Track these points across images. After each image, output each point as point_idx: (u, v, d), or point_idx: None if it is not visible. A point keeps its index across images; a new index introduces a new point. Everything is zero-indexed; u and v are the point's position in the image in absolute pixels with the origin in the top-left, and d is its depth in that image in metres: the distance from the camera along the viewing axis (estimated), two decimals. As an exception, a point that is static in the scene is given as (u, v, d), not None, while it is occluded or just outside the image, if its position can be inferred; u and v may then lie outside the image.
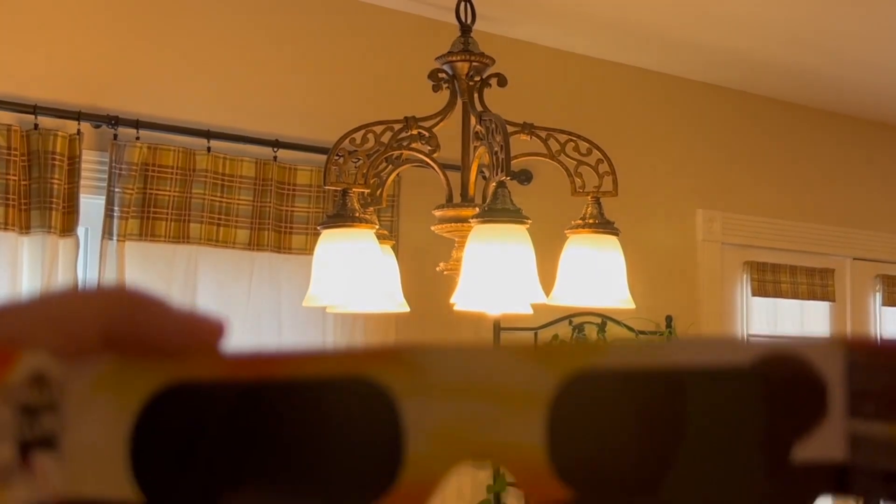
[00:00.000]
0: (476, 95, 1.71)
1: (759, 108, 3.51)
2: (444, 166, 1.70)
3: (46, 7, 2.27)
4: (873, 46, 3.05)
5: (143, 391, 0.27)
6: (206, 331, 0.28)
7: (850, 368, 0.29)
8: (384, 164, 1.74)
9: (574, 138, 1.66)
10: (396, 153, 1.72)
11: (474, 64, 1.71)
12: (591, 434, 0.29)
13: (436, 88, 1.73)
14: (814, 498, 0.29)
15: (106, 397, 0.27)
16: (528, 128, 1.67)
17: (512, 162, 1.52)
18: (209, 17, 2.48)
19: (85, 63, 2.30)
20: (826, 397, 0.29)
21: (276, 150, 2.44)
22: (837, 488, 0.29)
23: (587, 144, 1.65)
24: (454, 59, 1.71)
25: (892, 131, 3.88)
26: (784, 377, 0.29)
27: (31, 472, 0.25)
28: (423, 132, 1.67)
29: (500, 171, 1.52)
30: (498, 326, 2.27)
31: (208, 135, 2.35)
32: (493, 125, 1.57)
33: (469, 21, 1.75)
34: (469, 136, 1.72)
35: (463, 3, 1.76)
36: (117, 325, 0.27)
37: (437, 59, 1.74)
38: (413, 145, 1.69)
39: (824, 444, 0.28)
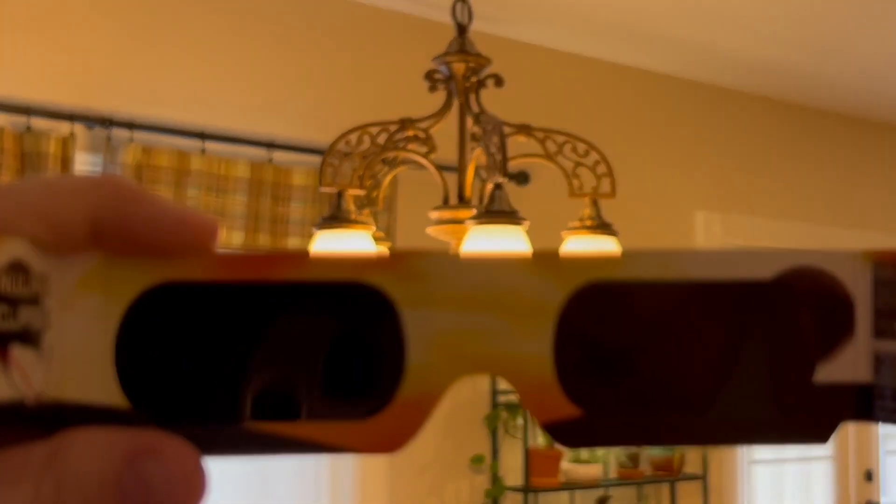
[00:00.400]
0: (473, 96, 1.70)
1: (758, 109, 3.49)
2: (441, 167, 1.68)
3: (39, 7, 2.25)
4: (874, 47, 3.03)
5: (131, 290, 0.26)
6: (199, 229, 0.26)
7: (877, 285, 0.27)
8: (380, 166, 1.72)
9: (571, 139, 1.64)
10: (392, 154, 1.70)
11: (471, 64, 1.70)
12: (603, 348, 0.27)
13: (432, 89, 1.72)
14: (838, 422, 0.27)
15: (92, 295, 0.25)
16: (525, 129, 1.66)
17: (509, 163, 1.50)
18: (203, 17, 2.46)
19: (78, 64, 2.28)
20: (852, 315, 0.27)
21: (270, 151, 2.43)
22: (862, 412, 0.27)
23: (585, 145, 1.64)
24: (450, 59, 1.69)
25: (893, 132, 3.86)
26: (809, 292, 0.27)
27: (8, 365, 0.24)
28: (420, 133, 1.65)
29: (496, 172, 1.50)
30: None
31: (203, 136, 2.33)
32: (490, 126, 1.56)
33: (466, 21, 1.73)
34: (466, 138, 1.71)
35: (459, 3, 1.74)
36: (105, 217, 0.25)
37: (433, 59, 1.72)
38: (409, 147, 1.67)
39: (849, 365, 0.27)
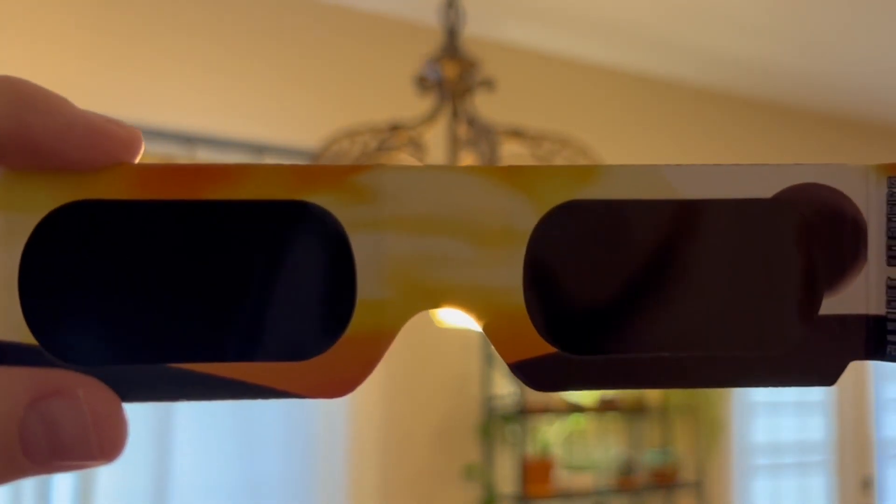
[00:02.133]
0: (464, 100, 1.68)
1: (755, 112, 3.48)
2: (431, 172, 1.66)
3: (21, 9, 2.22)
4: (869, 48, 3.01)
5: (38, 210, 0.22)
6: (117, 140, 0.22)
7: (892, 204, 0.24)
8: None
9: (564, 144, 1.62)
10: (383, 158, 1.67)
11: (462, 68, 1.67)
12: (580, 277, 0.24)
13: (423, 93, 1.69)
14: (846, 360, 0.24)
15: None
16: (516, 133, 1.63)
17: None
18: (190, 20, 2.43)
19: (62, 67, 2.25)
20: (864, 239, 0.24)
21: (260, 155, 2.40)
22: (872, 350, 0.24)
23: (577, 149, 1.61)
24: (441, 62, 1.67)
25: (889, 134, 3.85)
26: (814, 213, 0.24)
27: None
28: (410, 138, 1.63)
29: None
30: (486, 342, 2.21)
31: (190, 140, 2.31)
32: (481, 130, 1.53)
33: (456, 24, 1.71)
34: (456, 142, 1.68)
35: (451, 7, 1.72)
36: (3, 126, 0.21)
37: (424, 63, 1.70)
38: (400, 150, 1.64)
39: (859, 295, 0.24)
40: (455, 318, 1.56)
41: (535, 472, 2.72)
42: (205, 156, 2.34)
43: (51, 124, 0.22)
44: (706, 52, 3.03)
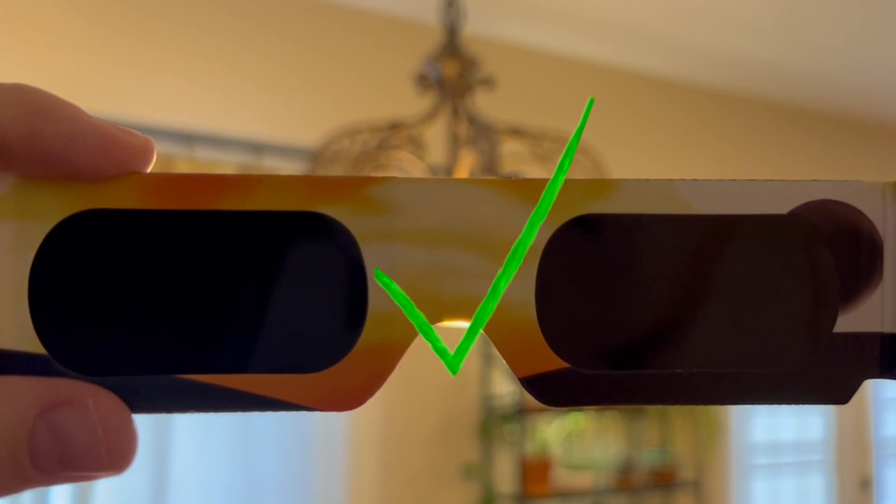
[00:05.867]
0: (464, 98, 1.67)
1: (757, 113, 3.47)
2: (432, 170, 1.66)
3: (17, 7, 2.22)
4: (870, 48, 3.01)
5: (49, 219, 0.22)
6: (128, 149, 0.22)
7: None
8: (370, 169, 1.69)
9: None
10: (383, 157, 1.67)
11: (462, 66, 1.67)
12: (593, 292, 0.23)
13: (423, 91, 1.69)
14: (860, 379, 0.24)
15: (3, 224, 0.22)
16: (516, 131, 1.63)
17: (501, 166, 1.47)
18: (189, 18, 2.43)
19: (60, 65, 2.24)
20: (880, 256, 0.23)
21: (259, 154, 2.40)
22: (887, 369, 0.24)
23: (578, 149, 1.61)
24: (441, 61, 1.67)
25: (890, 134, 3.85)
26: (830, 229, 0.23)
27: None
28: (410, 136, 1.62)
29: (488, 175, 1.47)
30: (486, 342, 2.22)
31: (189, 138, 2.30)
32: (481, 128, 1.53)
33: (457, 23, 1.71)
34: (456, 140, 1.68)
35: (451, 5, 1.72)
36: (15, 134, 0.21)
37: (424, 61, 1.70)
38: (400, 149, 1.64)
39: (874, 313, 0.23)
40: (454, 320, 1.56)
41: (534, 471, 2.72)
42: (203, 154, 2.33)
43: (63, 133, 0.21)
44: (707, 51, 3.03)
